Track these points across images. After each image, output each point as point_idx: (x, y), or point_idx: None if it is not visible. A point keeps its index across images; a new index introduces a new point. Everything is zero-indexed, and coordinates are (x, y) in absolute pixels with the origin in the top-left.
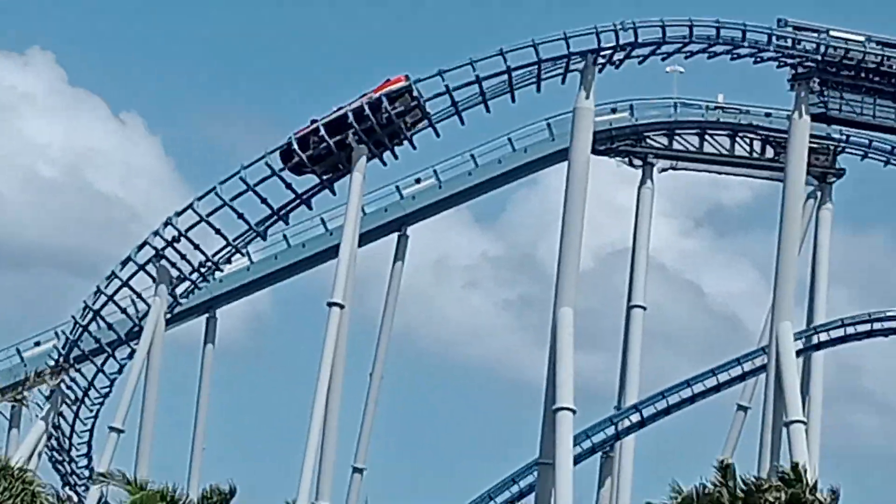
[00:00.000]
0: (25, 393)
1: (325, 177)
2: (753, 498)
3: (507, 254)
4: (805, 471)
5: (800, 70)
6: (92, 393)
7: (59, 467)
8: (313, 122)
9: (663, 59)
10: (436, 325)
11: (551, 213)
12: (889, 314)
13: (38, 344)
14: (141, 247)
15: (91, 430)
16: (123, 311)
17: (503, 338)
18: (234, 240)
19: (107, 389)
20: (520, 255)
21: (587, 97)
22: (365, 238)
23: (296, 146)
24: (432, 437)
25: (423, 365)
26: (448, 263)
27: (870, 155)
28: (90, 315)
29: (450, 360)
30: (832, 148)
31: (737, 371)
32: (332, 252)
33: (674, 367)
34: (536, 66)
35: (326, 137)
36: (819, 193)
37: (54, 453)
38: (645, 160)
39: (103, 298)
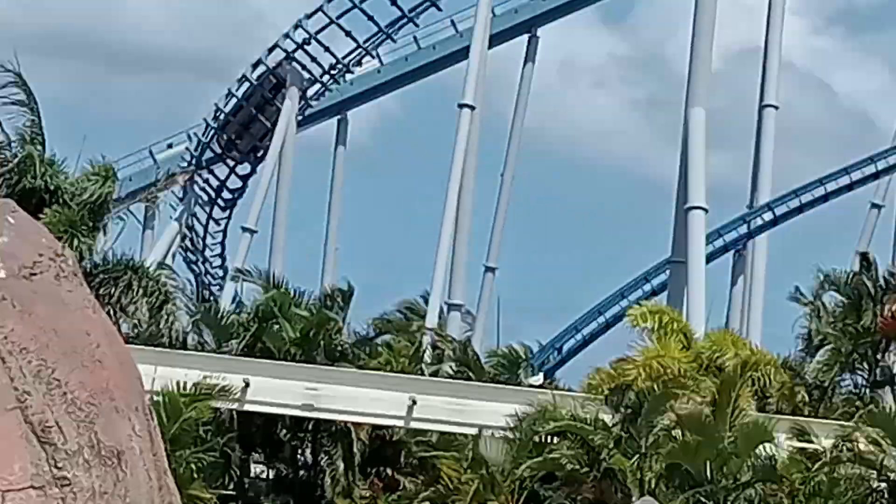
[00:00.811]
0: (158, 195)
1: None
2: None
3: (634, 54)
4: None
5: None
6: (224, 194)
7: (193, 267)
8: None
9: None
10: (564, 126)
11: (679, 13)
12: None
13: (170, 146)
14: (272, 49)
15: (224, 231)
16: (255, 113)
17: (632, 137)
18: (365, 42)
19: (239, 190)
20: (647, 54)
21: None
22: (495, 39)
23: None
24: (564, 236)
25: (553, 165)
26: (575, 64)
27: None
28: (222, 117)
29: (579, 159)
30: None
31: (870, 169)
32: (462, 54)
33: (805, 167)
34: None
35: None
36: None
37: (188, 254)
38: None
39: (234, 100)
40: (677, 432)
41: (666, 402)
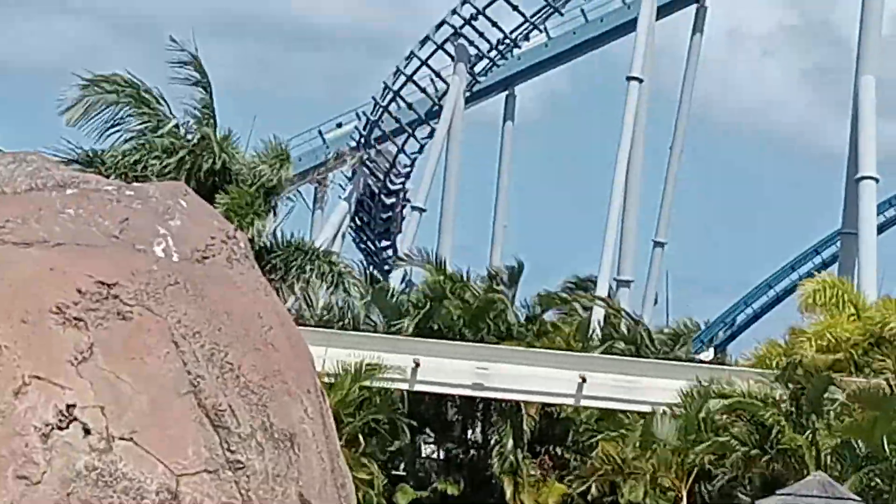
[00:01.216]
0: (328, 174)
1: None
2: None
3: (802, 22)
4: None
5: None
6: (393, 172)
7: (363, 246)
8: None
9: None
10: (732, 97)
11: None
12: None
13: (339, 125)
14: (439, 26)
15: (392, 208)
16: (423, 90)
17: (801, 107)
18: (532, 16)
19: (408, 169)
20: (815, 22)
21: None
22: (662, 11)
23: None
24: (733, 209)
25: (722, 137)
26: (743, 33)
27: None
28: (390, 95)
29: (748, 131)
30: None
31: None
32: (630, 26)
33: None
34: None
35: None
36: None
37: (358, 233)
38: None
39: (403, 78)
40: (851, 409)
41: (837, 377)
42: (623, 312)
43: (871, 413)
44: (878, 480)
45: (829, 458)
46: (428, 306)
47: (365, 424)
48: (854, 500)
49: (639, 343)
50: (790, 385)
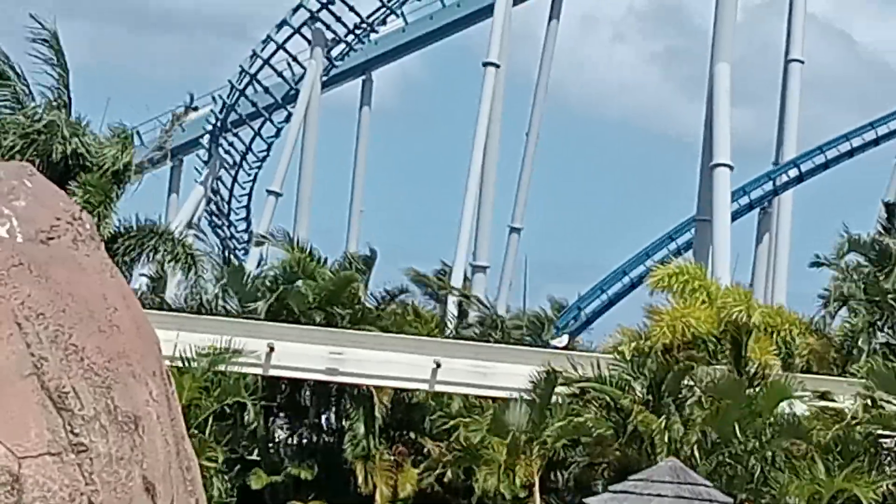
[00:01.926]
0: (169, 137)
1: None
2: None
3: (653, 6)
4: None
5: None
6: (249, 157)
7: (219, 231)
8: None
9: None
10: (588, 83)
11: None
12: None
13: (196, 109)
14: (296, 9)
15: (249, 194)
16: (280, 74)
17: (653, 92)
18: (389, 0)
19: (264, 153)
20: (666, 7)
21: None
22: None
23: None
24: (589, 195)
25: (578, 123)
26: (597, 18)
27: None
28: (246, 79)
29: (604, 117)
30: None
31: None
32: (487, 11)
33: (828, 121)
34: None
35: None
36: None
37: (213, 217)
38: None
39: (259, 62)
40: (702, 397)
41: (690, 366)
42: (475, 299)
43: (724, 402)
44: (729, 465)
45: (683, 443)
46: (282, 288)
47: (218, 409)
48: (705, 485)
49: (494, 329)
50: (643, 371)
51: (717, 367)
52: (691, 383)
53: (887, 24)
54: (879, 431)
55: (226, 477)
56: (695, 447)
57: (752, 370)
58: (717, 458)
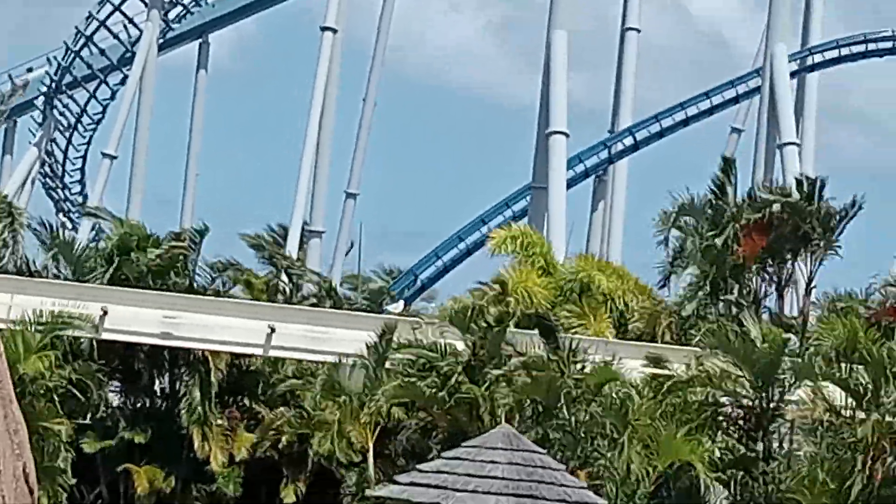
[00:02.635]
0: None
1: None
2: (756, 204)
3: None
4: (807, 182)
5: None
6: (84, 119)
7: (53, 194)
8: None
9: None
10: (425, 51)
11: None
12: (884, 34)
13: (30, 70)
14: None
15: (84, 157)
16: (116, 36)
17: (489, 61)
18: None
19: (99, 115)
20: None
21: None
22: None
23: None
24: (425, 162)
25: (415, 90)
26: None
27: None
28: (82, 41)
29: (441, 85)
30: None
31: (730, 93)
32: None
33: (663, 91)
34: None
35: None
36: None
37: (47, 180)
38: None
39: (95, 24)
40: (527, 368)
41: (504, 334)
42: (306, 267)
43: (544, 374)
44: (555, 433)
45: (507, 412)
46: (116, 262)
47: (51, 373)
48: (539, 451)
49: (329, 295)
50: (472, 338)
51: (536, 336)
52: (512, 357)
53: None
54: (712, 395)
55: (59, 441)
56: (524, 415)
57: (576, 344)
58: (546, 427)
